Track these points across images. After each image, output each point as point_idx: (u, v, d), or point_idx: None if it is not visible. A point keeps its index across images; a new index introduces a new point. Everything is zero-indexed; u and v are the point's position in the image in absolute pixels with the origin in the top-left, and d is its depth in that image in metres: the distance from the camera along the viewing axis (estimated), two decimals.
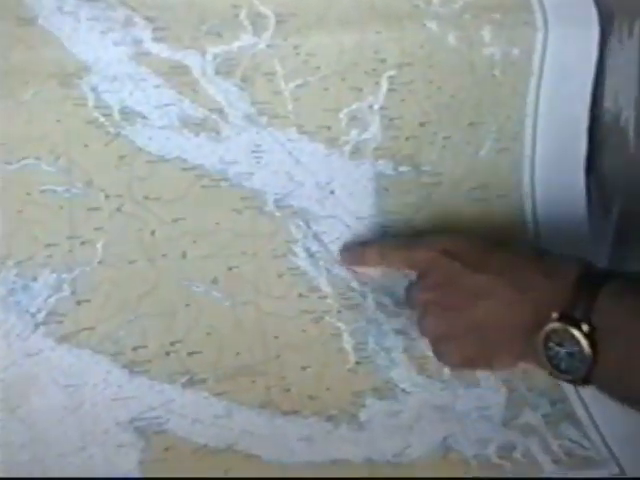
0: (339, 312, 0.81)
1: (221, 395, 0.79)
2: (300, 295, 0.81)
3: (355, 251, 0.80)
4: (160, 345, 0.78)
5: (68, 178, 0.77)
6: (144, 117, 0.77)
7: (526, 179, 0.85)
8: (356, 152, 0.81)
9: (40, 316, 0.76)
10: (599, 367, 0.65)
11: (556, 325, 0.66)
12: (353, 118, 0.81)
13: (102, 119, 0.77)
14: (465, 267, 0.72)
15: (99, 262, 0.77)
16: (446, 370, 0.82)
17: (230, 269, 0.80)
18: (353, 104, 0.81)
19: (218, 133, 0.79)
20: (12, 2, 0.74)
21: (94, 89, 0.76)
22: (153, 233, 0.78)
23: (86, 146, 0.77)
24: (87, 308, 0.77)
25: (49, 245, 0.76)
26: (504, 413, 0.82)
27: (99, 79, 0.76)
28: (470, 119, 0.83)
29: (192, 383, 0.78)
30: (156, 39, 0.76)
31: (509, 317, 0.70)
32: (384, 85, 0.81)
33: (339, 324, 0.82)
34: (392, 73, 0.81)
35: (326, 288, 0.81)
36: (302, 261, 0.81)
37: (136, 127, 0.77)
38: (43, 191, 0.76)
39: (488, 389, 0.83)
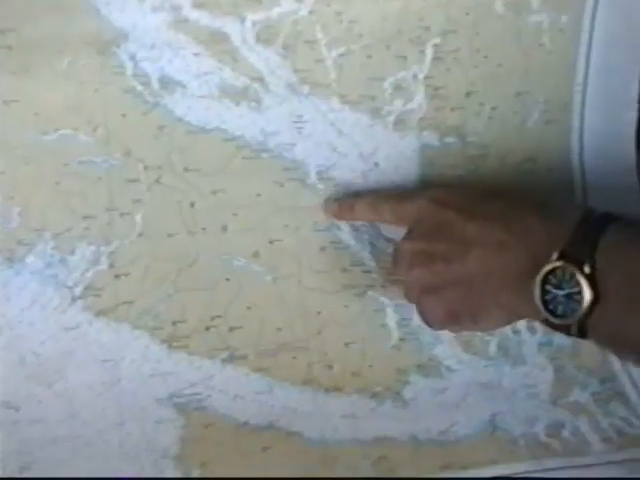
0: (383, 287, 0.78)
1: (262, 371, 0.76)
2: (343, 269, 0.78)
3: (345, 203, 0.75)
4: (200, 320, 0.76)
5: (106, 149, 0.73)
6: (183, 86, 0.74)
7: (575, 151, 0.81)
8: (400, 123, 0.78)
9: (78, 290, 0.74)
10: (598, 311, 0.60)
11: (555, 264, 0.61)
12: (397, 87, 0.77)
13: (140, 88, 0.73)
14: (458, 215, 0.67)
15: (138, 235, 0.74)
16: (492, 347, 0.80)
17: (271, 242, 0.77)
18: (397, 73, 0.77)
19: (259, 103, 0.75)
20: None
21: (132, 57, 0.72)
22: (193, 205, 0.76)
23: (124, 116, 0.73)
24: (125, 282, 0.75)
25: (87, 217, 0.74)
26: (552, 391, 0.80)
27: (137, 47, 0.72)
28: (517, 89, 0.79)
29: (232, 359, 0.76)
30: (195, 5, 0.72)
31: (501, 264, 0.64)
32: (429, 54, 0.77)
33: (383, 299, 0.79)
34: (437, 41, 0.77)
35: (370, 262, 0.78)
36: (345, 234, 0.78)
37: (175, 96, 0.74)
38: (81, 162, 0.73)
39: (535, 367, 0.80)
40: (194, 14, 0.74)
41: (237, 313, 0.77)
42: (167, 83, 0.74)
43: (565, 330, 0.63)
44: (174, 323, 0.76)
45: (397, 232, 0.75)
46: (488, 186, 0.79)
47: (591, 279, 0.60)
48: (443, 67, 0.78)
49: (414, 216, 0.71)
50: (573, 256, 0.61)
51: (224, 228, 0.77)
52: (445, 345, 0.80)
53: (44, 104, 0.73)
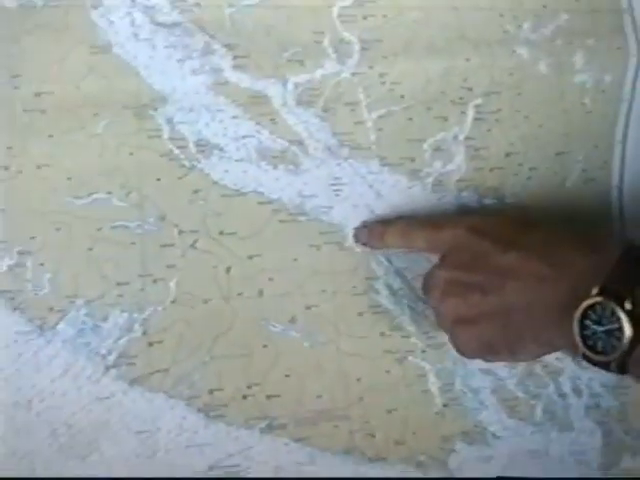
0: (423, 352, 0.74)
1: (302, 441, 0.71)
2: (382, 334, 0.73)
3: (375, 230, 0.71)
4: (237, 388, 0.71)
5: (140, 213, 0.69)
6: (221, 149, 0.69)
7: (614, 210, 0.77)
8: (439, 184, 0.73)
9: (111, 358, 0.69)
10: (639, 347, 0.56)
11: (595, 300, 0.58)
12: (437, 149, 0.73)
13: (177, 152, 0.69)
14: (494, 245, 0.64)
15: (172, 301, 0.70)
16: (537, 411, 0.75)
17: (308, 308, 0.72)
18: (438, 134, 0.73)
19: (297, 166, 0.71)
20: (85, 29, 0.65)
21: (169, 120, 0.68)
22: (228, 270, 0.71)
23: (159, 180, 0.69)
24: (160, 349, 0.70)
25: (120, 284, 0.69)
26: (601, 458, 0.76)
27: (175, 110, 0.68)
28: (557, 149, 0.75)
29: (271, 428, 0.71)
30: (236, 67, 0.68)
31: (541, 297, 0.61)
32: (470, 114, 0.73)
33: (424, 364, 0.74)
34: (479, 102, 0.73)
35: (409, 326, 0.74)
36: (384, 299, 0.73)
37: (212, 160, 0.69)
38: (114, 227, 0.68)
39: (582, 432, 0.75)
40: (234, 76, 0.70)
41: (275, 380, 0.71)
42: (204, 146, 0.70)
43: (604, 366, 0.59)
44: (210, 392, 0.71)
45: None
46: (525, 215, 0.75)
47: (632, 315, 0.57)
48: (484, 128, 0.75)
49: (449, 244, 0.67)
50: (614, 292, 0.57)
51: (260, 293, 0.72)
52: (490, 410, 0.75)
53: (77, 168, 0.67)
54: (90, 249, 0.67)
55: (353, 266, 0.70)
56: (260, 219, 0.69)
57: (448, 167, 0.71)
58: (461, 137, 0.71)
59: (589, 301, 0.58)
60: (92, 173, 0.66)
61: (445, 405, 0.72)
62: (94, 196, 0.66)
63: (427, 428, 0.71)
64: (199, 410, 0.68)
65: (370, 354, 0.71)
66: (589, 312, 0.58)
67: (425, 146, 0.70)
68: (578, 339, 0.59)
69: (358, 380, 0.71)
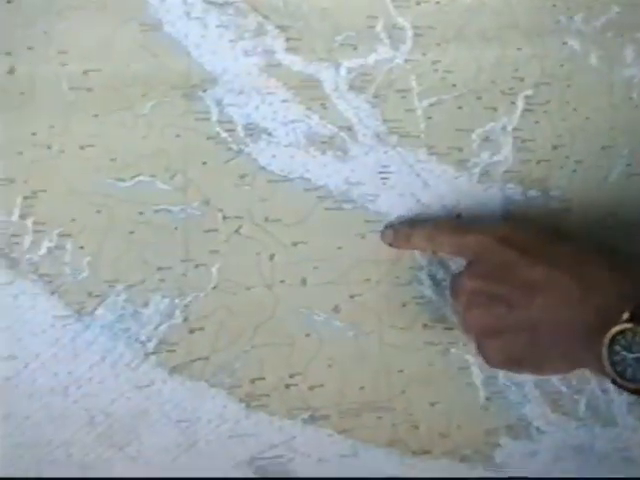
0: (466, 344, 0.71)
1: (346, 432, 0.69)
2: (425, 326, 0.71)
3: (401, 231, 0.69)
4: (279, 378, 0.68)
5: (184, 197, 0.66)
6: (269, 134, 0.66)
7: None
8: (485, 175, 0.71)
9: (150, 345, 0.66)
10: None
11: (625, 326, 0.56)
12: (486, 139, 0.70)
13: (224, 135, 0.65)
14: (522, 257, 0.62)
15: (214, 287, 0.67)
16: (581, 406, 0.72)
17: (352, 297, 0.69)
18: (487, 125, 0.70)
19: (345, 152, 0.68)
20: (135, 6, 0.62)
21: (219, 102, 0.64)
22: (272, 257, 0.68)
23: (204, 163, 0.65)
24: (201, 337, 0.67)
25: (161, 269, 0.66)
26: None
27: (225, 92, 0.65)
28: (603, 143, 0.73)
29: (314, 419, 0.68)
30: (289, 50, 0.65)
31: (569, 316, 0.60)
32: (520, 105, 0.70)
33: (467, 357, 0.71)
34: (529, 93, 0.70)
35: (452, 318, 0.71)
36: (427, 289, 0.71)
37: (260, 144, 0.66)
38: (157, 211, 0.65)
39: (626, 428, 0.73)
40: (287, 59, 0.66)
41: (317, 370, 0.68)
42: (252, 130, 0.66)
43: (634, 392, 0.57)
44: (252, 381, 0.67)
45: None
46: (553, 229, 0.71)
47: None
48: (532, 119, 0.73)
49: (474, 251, 0.64)
50: None
51: (303, 281, 0.69)
52: (533, 404, 0.72)
53: (121, 149, 0.63)
54: (131, 233, 0.64)
55: (397, 256, 0.68)
56: (306, 206, 0.66)
57: (495, 158, 0.69)
58: (509, 128, 0.69)
59: (619, 327, 0.56)
60: (136, 155, 0.63)
61: (488, 398, 0.70)
62: (137, 179, 0.63)
63: (471, 421, 0.69)
64: (240, 400, 0.65)
65: (413, 345, 0.69)
66: (618, 337, 0.56)
67: (474, 136, 0.68)
68: (607, 365, 0.57)
69: (400, 372, 0.68)
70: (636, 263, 0.60)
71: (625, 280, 0.58)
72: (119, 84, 0.60)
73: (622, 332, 0.56)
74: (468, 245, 0.65)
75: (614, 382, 0.57)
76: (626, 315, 0.56)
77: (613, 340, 0.56)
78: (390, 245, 0.69)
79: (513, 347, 0.62)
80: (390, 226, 0.69)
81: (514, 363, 0.64)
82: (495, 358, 0.64)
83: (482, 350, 0.64)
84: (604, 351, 0.57)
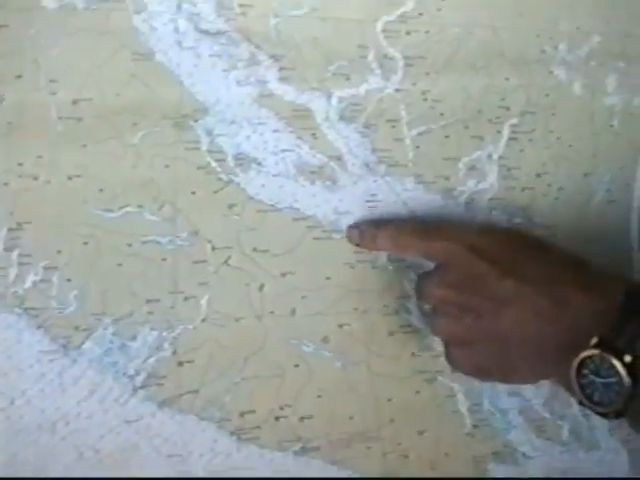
0: (453, 372, 0.71)
1: (337, 463, 0.69)
2: (413, 354, 0.71)
3: (366, 232, 0.68)
4: (269, 410, 0.67)
5: (172, 228, 0.64)
6: (259, 163, 0.65)
7: (633, 233, 0.75)
8: (471, 202, 0.71)
9: (139, 379, 0.64)
10: (637, 402, 0.55)
11: (594, 352, 0.55)
12: (472, 167, 0.70)
13: (214, 165, 0.64)
14: (492, 268, 0.61)
15: (203, 319, 0.66)
16: (564, 432, 0.73)
17: (341, 327, 0.69)
18: (473, 153, 0.70)
19: (334, 182, 0.67)
20: (127, 35, 0.60)
21: (209, 132, 0.63)
22: (261, 288, 0.67)
23: (194, 193, 0.64)
24: (190, 369, 0.65)
25: (150, 301, 0.64)
26: (631, 475, 0.74)
27: (216, 122, 0.64)
28: (585, 170, 0.74)
29: (305, 451, 0.68)
30: (282, 79, 0.64)
31: (539, 333, 0.59)
32: (505, 134, 0.70)
33: (453, 384, 0.71)
34: (514, 121, 0.70)
35: (439, 346, 0.70)
36: (415, 318, 0.70)
37: (249, 174, 0.65)
38: (145, 242, 0.64)
39: (608, 451, 0.74)
40: (280, 88, 0.65)
41: (307, 401, 0.68)
42: (242, 160, 0.64)
43: (602, 415, 0.57)
44: (242, 414, 0.66)
45: None
46: (522, 234, 0.71)
47: (632, 369, 0.54)
48: (517, 147, 0.73)
49: (442, 257, 0.63)
50: (613, 344, 0.55)
51: (293, 312, 0.68)
52: (518, 430, 0.72)
53: (110, 179, 0.61)
54: (119, 265, 0.62)
55: (386, 285, 0.68)
56: (294, 236, 0.66)
57: (481, 186, 0.69)
58: (495, 156, 0.69)
59: (587, 352, 0.56)
60: (125, 185, 0.61)
61: (475, 426, 0.70)
62: (125, 209, 0.62)
63: (459, 449, 0.69)
64: (231, 433, 0.65)
65: (401, 374, 0.69)
66: (587, 361, 0.56)
67: (460, 165, 0.68)
68: (575, 387, 0.57)
69: (389, 401, 0.68)
70: (610, 282, 0.60)
71: (597, 299, 0.58)
72: (109, 113, 0.59)
73: (591, 357, 0.56)
74: (436, 251, 0.64)
75: (581, 404, 0.57)
76: (594, 340, 0.56)
77: (582, 364, 0.56)
78: (356, 245, 0.68)
79: (481, 358, 0.62)
80: (356, 226, 0.68)
81: (482, 372, 0.64)
82: (463, 366, 0.64)
83: (450, 357, 0.64)
84: (572, 374, 0.57)
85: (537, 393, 0.70)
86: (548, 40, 0.67)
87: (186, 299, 0.64)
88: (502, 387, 0.69)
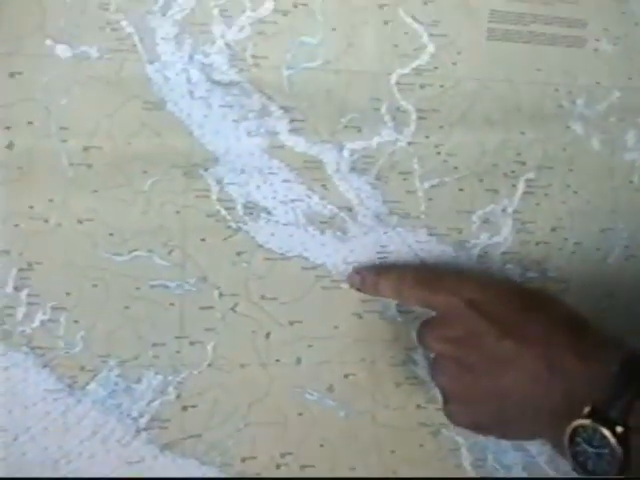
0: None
1: None
2: (418, 406, 0.71)
3: (368, 279, 0.68)
4: (270, 457, 0.67)
5: (181, 273, 0.65)
6: (268, 212, 0.66)
7: None
8: (484, 255, 0.70)
9: (142, 421, 0.65)
10: (631, 470, 0.54)
11: (586, 422, 0.55)
12: (485, 221, 0.70)
13: (224, 212, 0.65)
14: (492, 326, 0.60)
15: (208, 365, 0.66)
16: None
17: (346, 376, 0.69)
18: (487, 206, 0.70)
19: (344, 232, 0.67)
20: (138, 83, 0.62)
21: (219, 181, 0.64)
22: (268, 336, 0.67)
23: (203, 240, 0.65)
24: (193, 414, 0.66)
25: (156, 345, 0.65)
26: None
27: (226, 171, 0.64)
28: (603, 225, 0.73)
29: None
30: (293, 131, 0.65)
31: (535, 395, 0.59)
32: (521, 188, 0.70)
33: (457, 438, 0.71)
34: (531, 176, 0.71)
35: None
36: (421, 370, 0.70)
37: (259, 223, 0.66)
38: (153, 286, 0.65)
39: None
40: (290, 140, 0.66)
41: (309, 450, 0.68)
42: (252, 209, 0.65)
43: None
44: (243, 460, 0.66)
45: None
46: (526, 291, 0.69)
47: (624, 440, 0.54)
48: (533, 202, 0.73)
49: (443, 310, 0.63)
50: (605, 415, 0.55)
51: (298, 360, 0.68)
52: None
53: (120, 224, 0.63)
54: (127, 308, 0.63)
55: (393, 336, 0.68)
56: (303, 284, 0.66)
57: (494, 239, 0.69)
58: (510, 210, 0.69)
59: (580, 421, 0.55)
60: (135, 230, 0.62)
61: None
62: (135, 253, 0.63)
63: None
64: (232, 478, 0.66)
65: (405, 426, 0.68)
66: (580, 430, 0.56)
67: (474, 218, 0.68)
68: (568, 455, 0.56)
69: (392, 452, 0.68)
70: (606, 349, 0.59)
71: (592, 370, 0.57)
72: (120, 161, 0.59)
73: (583, 426, 0.56)
74: (436, 303, 0.64)
75: (575, 470, 0.57)
76: (587, 409, 0.55)
77: (574, 432, 0.56)
78: (358, 290, 0.68)
79: (479, 415, 0.62)
80: (358, 272, 0.68)
81: (479, 429, 0.64)
82: (461, 422, 0.64)
83: (448, 412, 0.64)
84: (565, 442, 0.56)
85: (542, 450, 0.69)
86: (566, 95, 0.67)
87: (192, 344, 0.65)
88: (506, 443, 0.68)
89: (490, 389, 0.60)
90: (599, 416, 0.55)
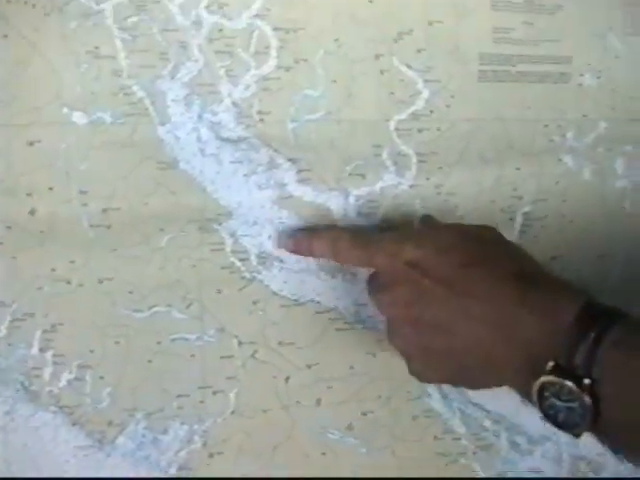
0: (474, 453, 0.74)
1: None
2: (435, 437, 0.74)
3: (302, 241, 0.68)
4: None
5: (200, 325, 0.68)
6: (281, 261, 0.69)
7: None
8: None
9: (171, 471, 0.68)
10: (602, 422, 0.54)
11: (551, 378, 0.55)
12: None
13: (238, 264, 0.68)
14: (436, 286, 0.60)
15: (232, 412, 0.69)
16: None
17: (365, 414, 0.72)
18: None
19: (354, 275, 0.70)
20: (152, 145, 0.65)
21: (233, 234, 0.68)
22: (287, 380, 0.70)
23: (219, 292, 0.68)
24: (220, 460, 0.69)
25: (180, 396, 0.68)
26: None
27: (239, 224, 0.68)
28: (599, 251, 0.77)
29: None
30: (300, 181, 0.68)
31: (493, 353, 0.58)
32: (519, 221, 0.74)
33: (475, 465, 0.74)
34: (527, 209, 0.74)
35: (459, 429, 0.74)
36: (436, 402, 0.73)
37: (272, 271, 0.69)
38: (174, 339, 0.67)
39: None
40: (299, 190, 0.69)
41: None
42: (265, 258, 0.68)
43: (567, 432, 0.56)
44: None
45: None
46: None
47: (592, 391, 0.53)
48: (531, 234, 0.76)
49: (384, 271, 0.63)
50: (569, 369, 0.54)
51: (318, 402, 0.71)
52: None
53: (139, 281, 0.66)
54: (150, 362, 0.66)
55: (408, 371, 0.73)
56: (317, 328, 0.70)
57: None
58: None
59: (545, 378, 0.55)
60: (153, 286, 0.65)
61: None
62: (154, 309, 0.66)
63: None
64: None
65: (424, 457, 0.73)
66: (547, 386, 0.55)
67: None
68: (539, 410, 0.56)
69: None
70: (559, 299, 0.58)
71: (547, 323, 0.56)
72: (137, 220, 0.63)
73: (550, 382, 0.55)
74: (376, 263, 0.64)
75: (546, 422, 0.56)
76: (550, 364, 0.54)
77: (542, 388, 0.55)
78: (292, 252, 0.69)
79: (443, 372, 0.62)
80: (290, 235, 0.69)
81: (448, 382, 0.65)
82: (427, 379, 0.65)
83: (413, 372, 0.64)
84: (534, 397, 0.55)
85: (559, 472, 0.72)
86: (556, 129, 0.71)
87: (215, 393, 0.67)
88: (524, 465, 0.72)
89: (447, 347, 0.59)
90: (564, 370, 0.53)
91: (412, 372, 0.63)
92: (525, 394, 0.56)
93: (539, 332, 0.55)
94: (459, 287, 0.59)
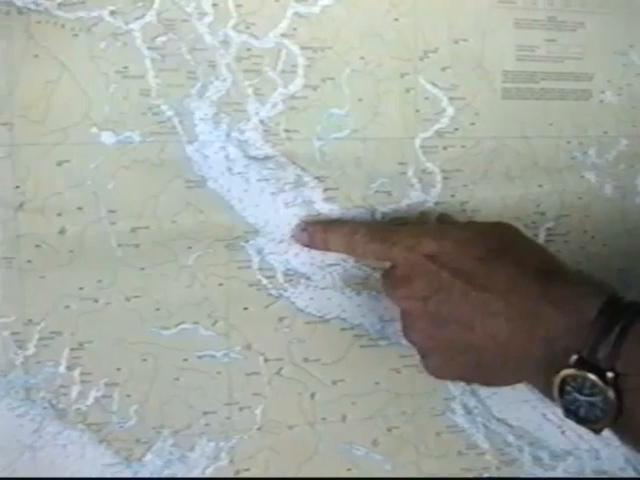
0: (498, 468, 0.74)
1: None
2: (459, 453, 0.74)
3: (316, 236, 0.68)
4: None
5: (226, 342, 0.69)
6: (307, 278, 0.70)
7: None
8: None
9: None
10: (625, 416, 0.53)
11: (574, 371, 0.54)
12: None
13: (265, 281, 0.69)
14: (455, 279, 0.59)
15: (258, 428, 0.69)
16: None
17: (390, 430, 0.73)
18: None
19: (379, 291, 0.70)
20: (180, 164, 0.65)
21: (260, 251, 0.68)
22: (313, 396, 0.71)
23: (246, 309, 0.68)
24: (246, 477, 0.70)
25: (207, 413, 0.68)
26: None
27: (266, 242, 0.68)
28: (619, 266, 0.77)
29: None
30: (327, 199, 0.69)
31: (514, 347, 0.58)
32: (541, 237, 0.75)
33: None
34: (550, 225, 0.75)
35: (484, 444, 0.74)
36: (460, 418, 0.74)
37: (298, 289, 0.69)
38: (201, 357, 0.68)
39: None
40: (326, 208, 0.69)
41: None
42: (292, 276, 0.69)
43: (588, 428, 0.56)
44: None
45: None
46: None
47: (616, 386, 0.53)
48: (554, 249, 0.75)
49: (402, 265, 0.62)
50: (592, 363, 0.53)
51: (343, 418, 0.72)
52: None
53: (166, 299, 0.66)
54: (176, 379, 0.66)
55: (432, 387, 0.73)
56: (343, 345, 0.71)
57: None
58: None
59: (567, 371, 0.54)
60: (180, 304, 0.66)
61: None
62: (181, 326, 0.67)
63: None
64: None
65: (448, 473, 0.74)
66: (568, 379, 0.55)
67: None
68: (559, 404, 0.55)
69: None
70: (582, 293, 0.58)
71: (570, 317, 0.56)
72: (165, 239, 0.63)
73: (572, 376, 0.54)
74: (394, 258, 0.63)
75: (567, 417, 0.56)
76: (574, 358, 0.54)
77: (564, 381, 0.55)
78: (307, 247, 0.69)
79: (459, 367, 0.61)
80: (304, 229, 0.69)
81: (463, 379, 0.64)
82: (442, 375, 0.64)
83: (429, 368, 0.63)
84: (555, 391, 0.55)
85: None
86: (578, 146, 0.72)
87: (241, 409, 0.67)
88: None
89: (466, 342, 0.59)
90: (587, 364, 0.53)
91: (427, 368, 0.62)
92: (545, 389, 0.56)
93: (562, 326, 0.55)
94: (479, 281, 0.59)
